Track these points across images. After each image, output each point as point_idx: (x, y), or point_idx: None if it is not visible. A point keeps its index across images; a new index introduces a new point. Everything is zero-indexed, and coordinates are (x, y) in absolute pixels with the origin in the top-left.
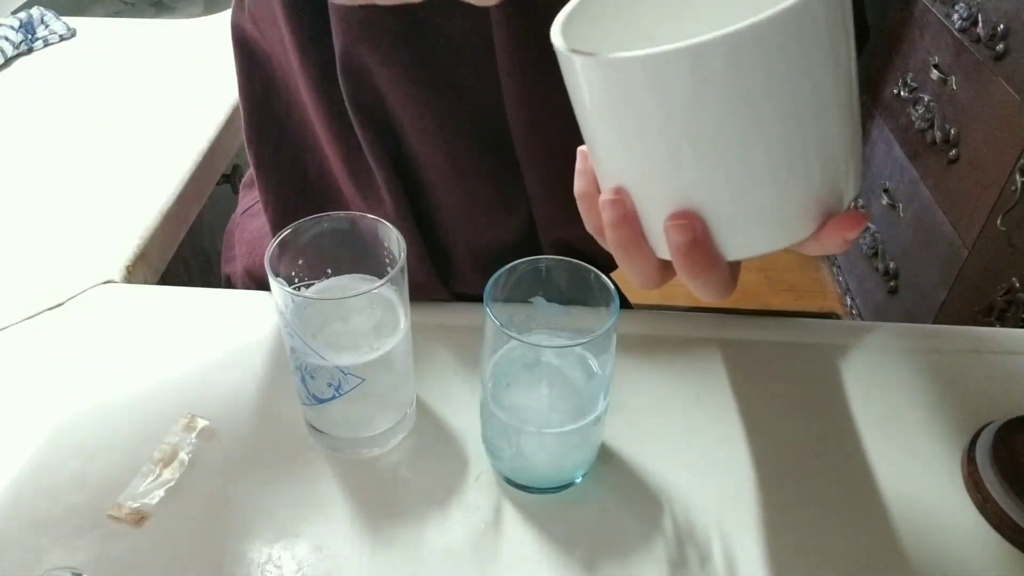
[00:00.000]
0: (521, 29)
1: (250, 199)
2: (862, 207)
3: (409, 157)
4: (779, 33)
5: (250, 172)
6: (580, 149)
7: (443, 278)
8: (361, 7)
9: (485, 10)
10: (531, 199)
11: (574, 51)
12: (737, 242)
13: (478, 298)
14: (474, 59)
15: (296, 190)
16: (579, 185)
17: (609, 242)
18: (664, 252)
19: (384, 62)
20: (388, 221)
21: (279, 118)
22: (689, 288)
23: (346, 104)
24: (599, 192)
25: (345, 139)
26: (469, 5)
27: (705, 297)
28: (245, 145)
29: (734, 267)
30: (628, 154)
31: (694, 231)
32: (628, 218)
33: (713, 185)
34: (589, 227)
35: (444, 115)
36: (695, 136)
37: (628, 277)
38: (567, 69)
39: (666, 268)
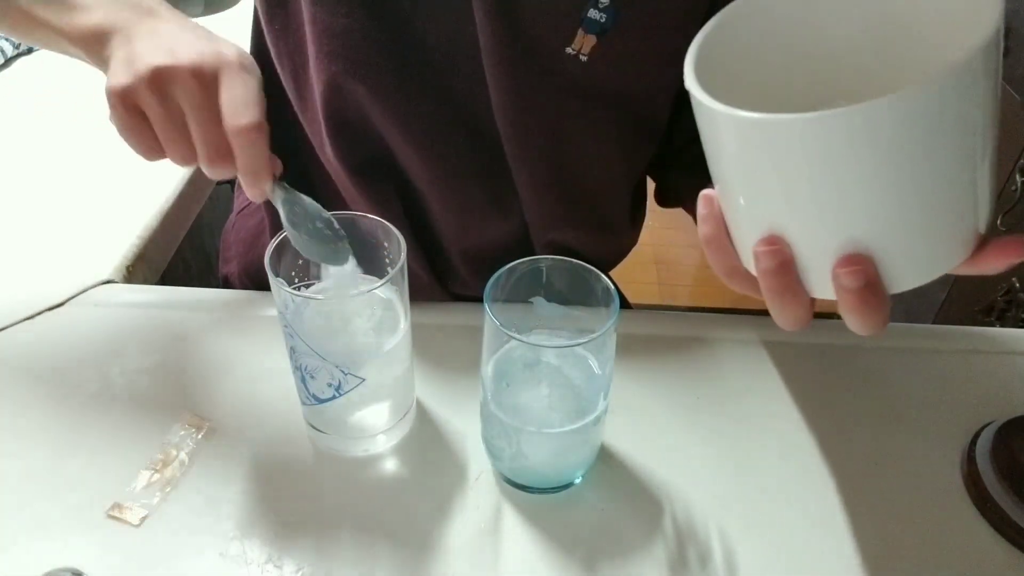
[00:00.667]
0: (506, 31)
1: (244, 199)
2: None
3: (398, 161)
4: (949, 91)
5: None
6: (704, 194)
7: (440, 279)
8: (345, 16)
9: (470, 13)
10: (522, 201)
11: (729, 109)
12: (904, 275)
13: (477, 298)
14: (459, 62)
15: (299, 186)
16: (705, 231)
17: (764, 288)
18: (824, 292)
19: (366, 69)
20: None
21: (278, 118)
22: (851, 326)
23: (319, 113)
24: (727, 235)
25: (347, 146)
26: (453, 9)
27: (868, 331)
28: None
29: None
30: (790, 206)
31: (867, 275)
32: (787, 265)
33: (886, 227)
34: (719, 270)
35: (431, 119)
36: (866, 190)
37: (777, 319)
38: (711, 122)
39: (813, 304)
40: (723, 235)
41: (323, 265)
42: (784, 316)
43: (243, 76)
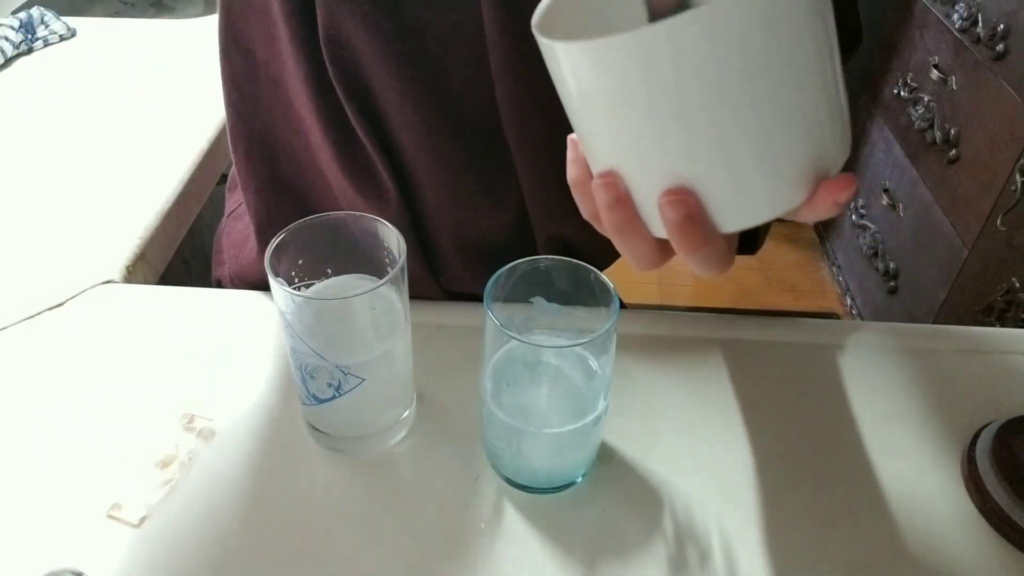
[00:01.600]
0: (514, 24)
1: (234, 201)
2: (862, 207)
3: (397, 149)
4: (754, 5)
5: (233, 174)
6: (570, 137)
7: (434, 274)
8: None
9: (476, 5)
10: (524, 193)
11: (554, 38)
12: (731, 214)
13: (472, 296)
14: (460, 54)
15: (275, 190)
16: (572, 173)
17: (605, 225)
18: (660, 231)
19: (372, 55)
20: (385, 213)
21: (258, 118)
22: (688, 264)
23: (337, 92)
24: (591, 177)
25: (339, 133)
26: (454, 1)
27: (704, 272)
28: (230, 147)
29: (730, 240)
30: (616, 137)
31: (687, 206)
32: (622, 200)
33: (702, 159)
34: (585, 214)
35: (431, 109)
36: (679, 112)
37: (628, 259)
38: (549, 57)
39: (664, 248)
40: (587, 178)
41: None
42: (629, 253)
43: None
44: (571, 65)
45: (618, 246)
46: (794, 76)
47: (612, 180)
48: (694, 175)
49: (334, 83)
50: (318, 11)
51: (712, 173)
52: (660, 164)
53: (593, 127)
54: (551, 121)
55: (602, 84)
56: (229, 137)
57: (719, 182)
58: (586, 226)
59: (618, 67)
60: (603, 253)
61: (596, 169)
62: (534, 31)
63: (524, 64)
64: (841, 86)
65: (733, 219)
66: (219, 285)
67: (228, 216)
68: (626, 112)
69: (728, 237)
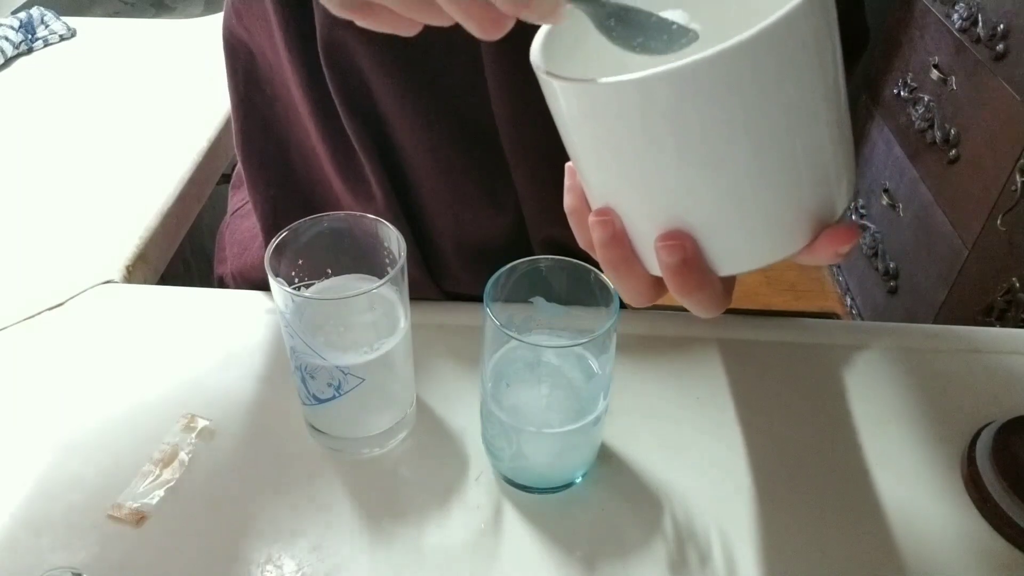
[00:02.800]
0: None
1: (239, 200)
2: (862, 207)
3: (395, 153)
4: (759, 51)
5: (238, 172)
6: (568, 166)
7: (433, 276)
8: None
9: None
10: (520, 197)
11: (553, 75)
12: (728, 258)
13: (471, 297)
14: (456, 57)
15: (283, 189)
16: (568, 201)
17: (600, 260)
18: (655, 269)
19: (369, 55)
20: (378, 215)
21: (265, 117)
22: (683, 304)
23: (332, 95)
24: (588, 208)
25: (333, 133)
26: None
27: (699, 313)
28: (236, 146)
29: (727, 281)
30: (613, 175)
31: (684, 251)
32: (618, 238)
33: (701, 204)
34: (581, 243)
35: (429, 112)
36: (680, 157)
37: (621, 295)
38: (548, 92)
39: (658, 284)
40: (584, 207)
41: None
42: (622, 288)
43: None
44: (568, 103)
45: (612, 281)
46: (801, 122)
47: (608, 218)
48: (692, 219)
49: (330, 87)
50: (316, 15)
51: (711, 218)
52: (658, 206)
53: (590, 163)
54: (546, 125)
55: (602, 124)
56: (235, 135)
57: (718, 227)
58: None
59: (619, 109)
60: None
61: (593, 202)
62: (532, 58)
63: (517, 68)
64: (847, 131)
65: (731, 263)
66: (221, 283)
67: (232, 214)
68: (625, 153)
69: (725, 278)
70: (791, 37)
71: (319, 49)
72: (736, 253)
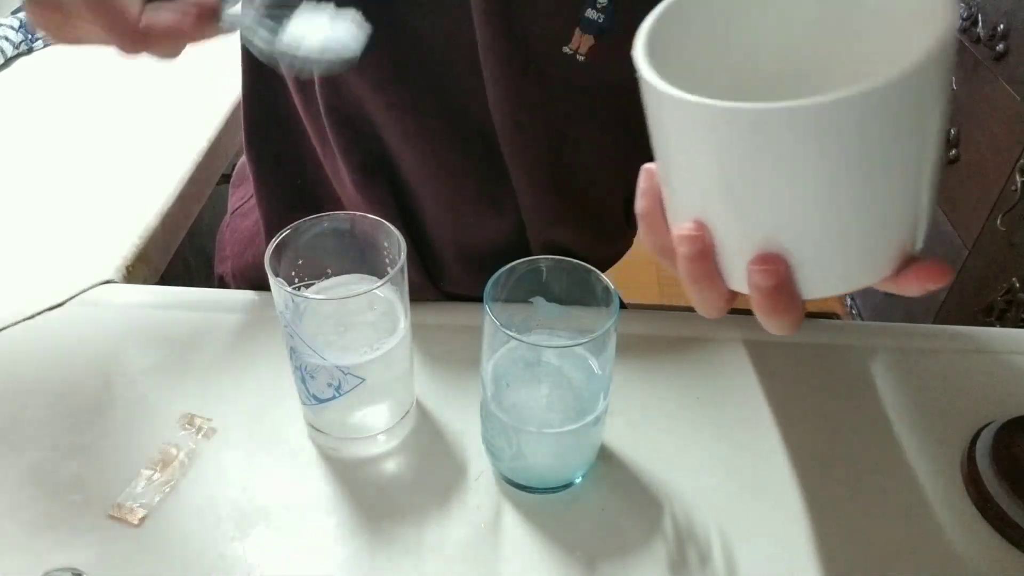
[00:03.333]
0: (503, 30)
1: (238, 198)
2: None
3: (393, 158)
4: (897, 97)
5: (238, 170)
6: (647, 168)
7: (433, 278)
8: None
9: (467, 11)
10: (519, 199)
11: (672, 87)
12: (817, 282)
13: (471, 298)
14: (456, 61)
15: (292, 186)
16: (642, 205)
17: (680, 272)
18: (739, 286)
19: (361, 66)
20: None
21: (279, 116)
22: (762, 324)
23: (320, 109)
24: (662, 212)
25: (325, 141)
26: (450, 8)
27: (775, 331)
28: (243, 141)
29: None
30: (717, 192)
31: (778, 276)
32: (706, 253)
33: (802, 229)
34: (650, 246)
35: (426, 116)
36: (793, 184)
37: (693, 303)
38: (656, 103)
39: (732, 297)
40: (659, 212)
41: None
42: (699, 303)
43: None
44: (686, 119)
45: (688, 292)
46: (919, 161)
47: (701, 234)
48: (790, 243)
49: (321, 107)
50: None
51: (809, 244)
52: (758, 228)
53: (691, 177)
54: (543, 126)
55: (721, 145)
56: (244, 133)
57: (814, 253)
58: (582, 231)
59: (746, 134)
60: (598, 259)
61: (678, 211)
62: (641, 68)
63: (514, 70)
64: (942, 166)
65: (819, 288)
66: (221, 282)
67: (233, 213)
68: (737, 174)
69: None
70: (926, 84)
71: (315, 79)
72: (825, 278)
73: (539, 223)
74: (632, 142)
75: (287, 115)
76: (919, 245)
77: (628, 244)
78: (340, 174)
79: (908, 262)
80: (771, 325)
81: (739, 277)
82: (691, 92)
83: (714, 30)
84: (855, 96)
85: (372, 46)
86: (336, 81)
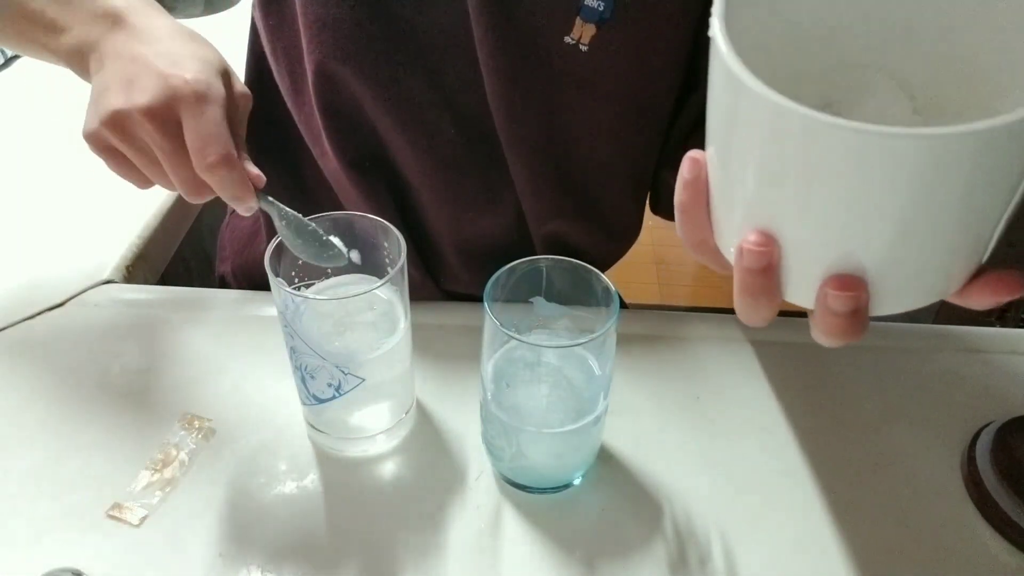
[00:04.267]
0: (502, 21)
1: None
2: None
3: (390, 153)
4: (1010, 135)
5: None
6: (691, 155)
7: (433, 275)
8: (336, 7)
9: (463, 5)
10: (519, 192)
11: (774, 92)
12: (889, 302)
13: (471, 297)
14: (453, 53)
15: (293, 185)
16: (684, 197)
17: (739, 284)
18: (803, 301)
19: (358, 60)
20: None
21: (278, 116)
22: (821, 342)
23: (314, 108)
24: (705, 207)
25: (318, 140)
26: (446, 1)
27: (828, 344)
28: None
29: None
30: (798, 207)
31: (858, 301)
32: (771, 269)
33: (889, 253)
34: (687, 240)
35: (423, 110)
36: (894, 209)
37: (739, 313)
38: (744, 102)
39: (780, 307)
40: (702, 206)
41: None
42: (749, 314)
43: (200, 108)
44: (783, 128)
45: (740, 302)
46: (1007, 197)
47: (768, 248)
48: (872, 266)
49: (317, 111)
50: (305, 46)
51: (891, 268)
52: (839, 247)
53: (763, 184)
54: (541, 119)
55: (822, 161)
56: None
57: (894, 276)
58: (581, 225)
59: (846, 153)
60: (599, 255)
61: (738, 216)
62: (729, 58)
63: (513, 61)
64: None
65: (888, 307)
66: (222, 281)
67: (232, 212)
68: (826, 190)
69: None
70: None
71: (308, 76)
72: (897, 298)
73: (539, 216)
74: (632, 135)
75: (287, 115)
76: (984, 260)
77: (630, 243)
78: (336, 172)
79: (977, 274)
80: (833, 343)
81: (804, 293)
82: (752, 67)
83: (785, 11)
84: (984, 130)
85: (369, 40)
86: (332, 78)
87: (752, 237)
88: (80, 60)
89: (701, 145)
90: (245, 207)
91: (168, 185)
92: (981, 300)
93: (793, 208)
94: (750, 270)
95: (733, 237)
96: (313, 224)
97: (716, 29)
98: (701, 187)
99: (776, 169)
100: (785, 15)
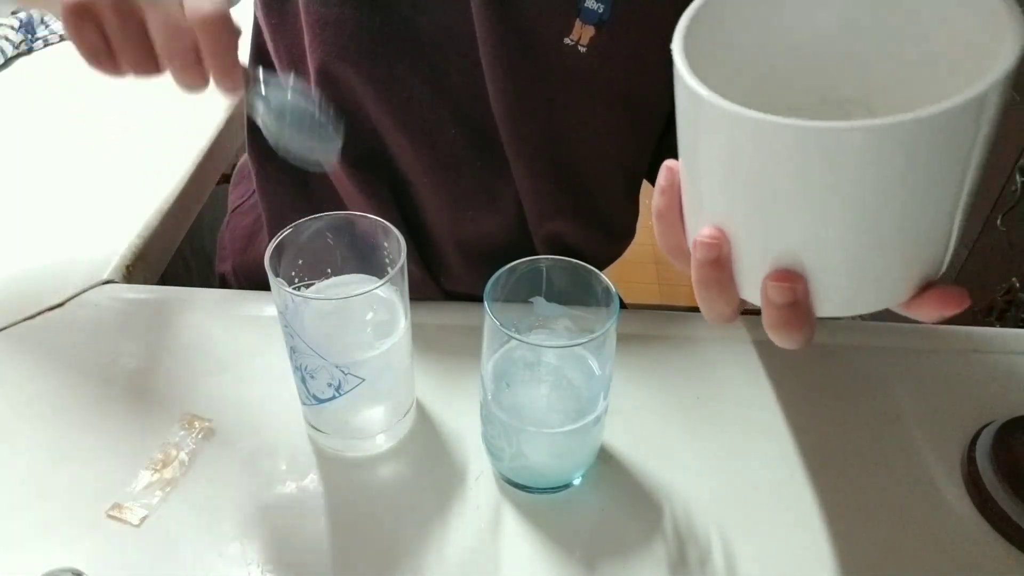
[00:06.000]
0: (503, 22)
1: (237, 197)
2: None
3: (391, 152)
4: (954, 125)
5: (238, 169)
6: (668, 166)
7: (433, 274)
8: (338, 6)
9: (466, 4)
10: (520, 192)
11: (716, 96)
12: (833, 303)
13: (471, 296)
14: (455, 53)
15: (294, 184)
16: (659, 203)
17: (693, 276)
18: (752, 297)
19: (360, 59)
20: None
21: None
22: (771, 337)
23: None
24: (679, 213)
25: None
26: (448, 1)
27: (784, 346)
28: (246, 140)
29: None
30: (743, 202)
31: (795, 293)
32: (721, 262)
33: (826, 248)
34: (663, 245)
35: (424, 108)
36: (824, 203)
37: (701, 308)
38: (693, 106)
39: (741, 305)
40: (676, 211)
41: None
42: (708, 309)
43: None
44: (725, 128)
45: (698, 297)
46: (955, 194)
47: (719, 242)
48: (810, 261)
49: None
50: (308, 45)
51: (830, 264)
52: (780, 242)
53: (719, 184)
54: (541, 119)
55: (757, 158)
56: (246, 131)
57: (833, 273)
58: (581, 224)
59: (784, 150)
60: (598, 254)
61: (699, 215)
62: (681, 67)
63: (514, 62)
64: (970, 204)
65: (833, 308)
66: (222, 281)
67: (233, 211)
68: (768, 188)
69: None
70: (983, 110)
71: (311, 75)
72: (842, 299)
73: (539, 215)
74: (632, 134)
75: None
76: (941, 272)
77: (629, 241)
78: (337, 171)
79: (926, 287)
80: (780, 339)
81: (753, 288)
82: (721, 93)
83: (748, 29)
84: (910, 121)
85: (371, 40)
86: (334, 77)
87: (705, 231)
88: None
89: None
90: (230, 81)
91: (135, 58)
92: (926, 313)
93: (736, 202)
94: (702, 262)
95: (694, 236)
96: (315, 95)
97: (675, 43)
98: (675, 194)
99: (715, 165)
100: (757, 52)
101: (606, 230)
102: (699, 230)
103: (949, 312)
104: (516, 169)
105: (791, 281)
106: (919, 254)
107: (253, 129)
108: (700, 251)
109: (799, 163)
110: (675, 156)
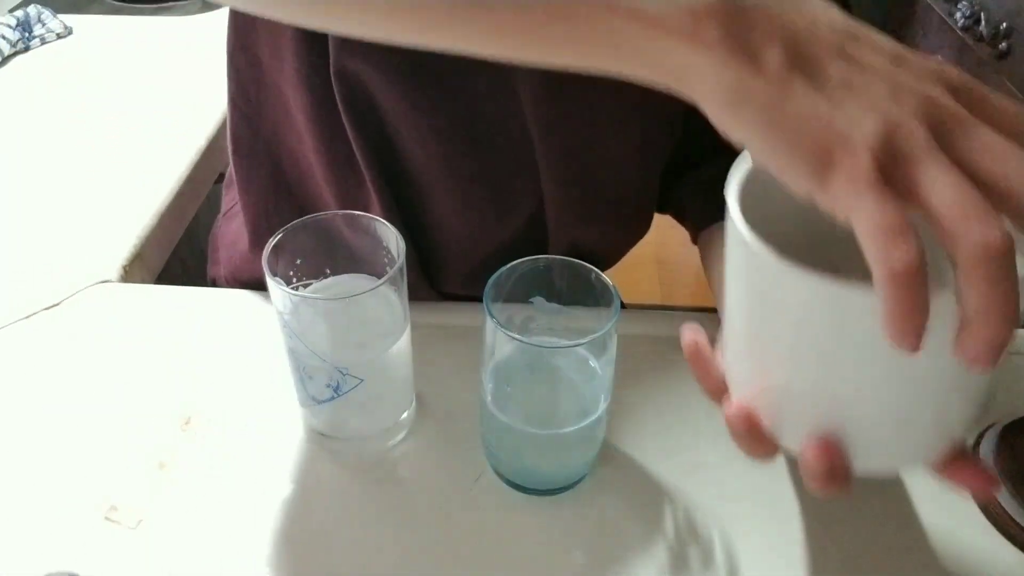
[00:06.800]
0: None
1: (228, 201)
2: None
3: (402, 160)
4: None
5: (230, 172)
6: (689, 331)
7: (433, 282)
8: None
9: None
10: (546, 199)
11: (785, 261)
12: (866, 464)
13: (470, 298)
14: (486, 70)
15: (273, 193)
16: (688, 356)
17: (730, 431)
18: (793, 444)
19: (380, 69)
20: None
21: (256, 121)
22: (808, 489)
23: (343, 117)
24: (710, 359)
25: (332, 148)
26: None
27: (820, 496)
28: (228, 142)
29: None
30: (807, 366)
31: (830, 461)
32: (754, 429)
33: (874, 418)
34: (704, 386)
35: (443, 120)
36: (881, 375)
37: (741, 450)
38: (755, 268)
39: (778, 448)
40: (708, 355)
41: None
42: (746, 453)
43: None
44: (798, 295)
45: (738, 444)
46: (940, 368)
47: (745, 414)
48: (853, 428)
49: (341, 110)
50: (330, 45)
51: (870, 430)
52: (825, 408)
53: (774, 344)
54: (576, 125)
55: (828, 324)
56: (229, 136)
57: (872, 437)
58: (602, 229)
59: (855, 318)
60: (612, 252)
61: (740, 367)
62: (741, 228)
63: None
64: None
65: (866, 469)
66: (214, 284)
67: (223, 215)
68: (836, 352)
69: None
70: None
71: (331, 76)
72: (875, 462)
73: (564, 223)
74: (657, 138)
75: (277, 126)
76: (965, 438)
77: (644, 234)
78: (336, 172)
79: (956, 455)
80: (818, 494)
81: (794, 441)
82: (769, 244)
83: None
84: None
85: (388, 71)
86: (352, 79)
87: (736, 405)
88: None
89: (702, 144)
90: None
91: None
92: (953, 484)
93: (799, 365)
94: (734, 433)
95: (736, 385)
96: None
97: (729, 193)
98: (702, 351)
99: (786, 329)
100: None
101: (625, 230)
102: (728, 406)
103: (972, 492)
104: (545, 176)
105: (829, 456)
106: (957, 426)
107: (234, 134)
108: (734, 425)
109: (870, 330)
110: (695, 139)
